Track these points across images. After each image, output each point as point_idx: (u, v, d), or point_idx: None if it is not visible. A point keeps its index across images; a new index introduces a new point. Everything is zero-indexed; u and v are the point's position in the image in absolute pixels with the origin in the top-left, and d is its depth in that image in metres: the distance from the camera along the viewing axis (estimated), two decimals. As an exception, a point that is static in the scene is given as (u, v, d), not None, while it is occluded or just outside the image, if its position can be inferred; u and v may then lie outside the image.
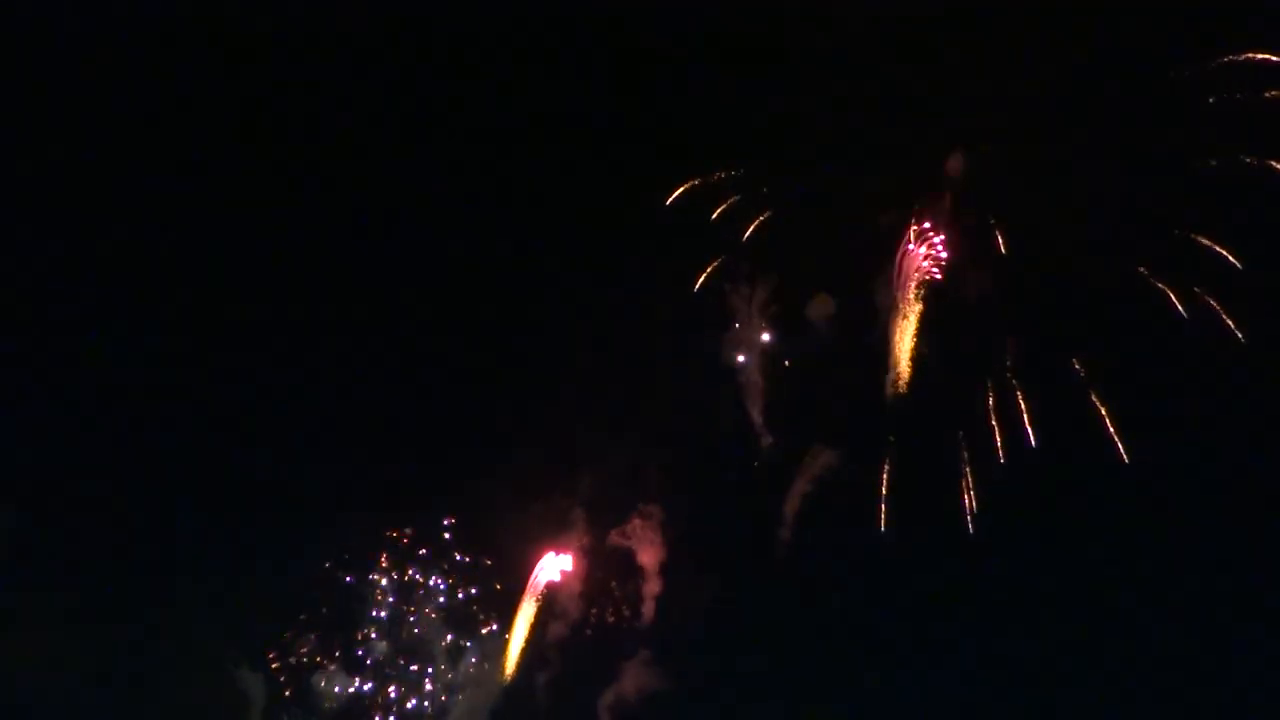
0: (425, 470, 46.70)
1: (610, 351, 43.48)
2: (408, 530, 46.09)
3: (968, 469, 40.28)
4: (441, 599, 45.74)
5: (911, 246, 40.59)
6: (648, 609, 44.27)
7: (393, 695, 45.32)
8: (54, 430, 45.82)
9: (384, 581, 45.62)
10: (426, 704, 44.88)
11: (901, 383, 40.82)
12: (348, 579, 45.56)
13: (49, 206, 45.32)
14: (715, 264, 42.00)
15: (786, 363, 43.61)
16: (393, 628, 46.05)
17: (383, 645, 46.24)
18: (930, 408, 41.10)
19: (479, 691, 44.21)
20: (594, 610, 44.83)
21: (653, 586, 44.52)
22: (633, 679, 43.68)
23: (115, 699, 43.99)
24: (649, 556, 44.51)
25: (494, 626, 45.32)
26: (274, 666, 44.94)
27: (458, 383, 46.63)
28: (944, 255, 40.72)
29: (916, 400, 40.99)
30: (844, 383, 42.48)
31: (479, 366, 46.57)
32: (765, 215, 41.04)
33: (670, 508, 44.49)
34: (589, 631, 44.45)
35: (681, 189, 41.23)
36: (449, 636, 45.31)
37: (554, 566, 44.70)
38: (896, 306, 41.54)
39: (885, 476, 41.16)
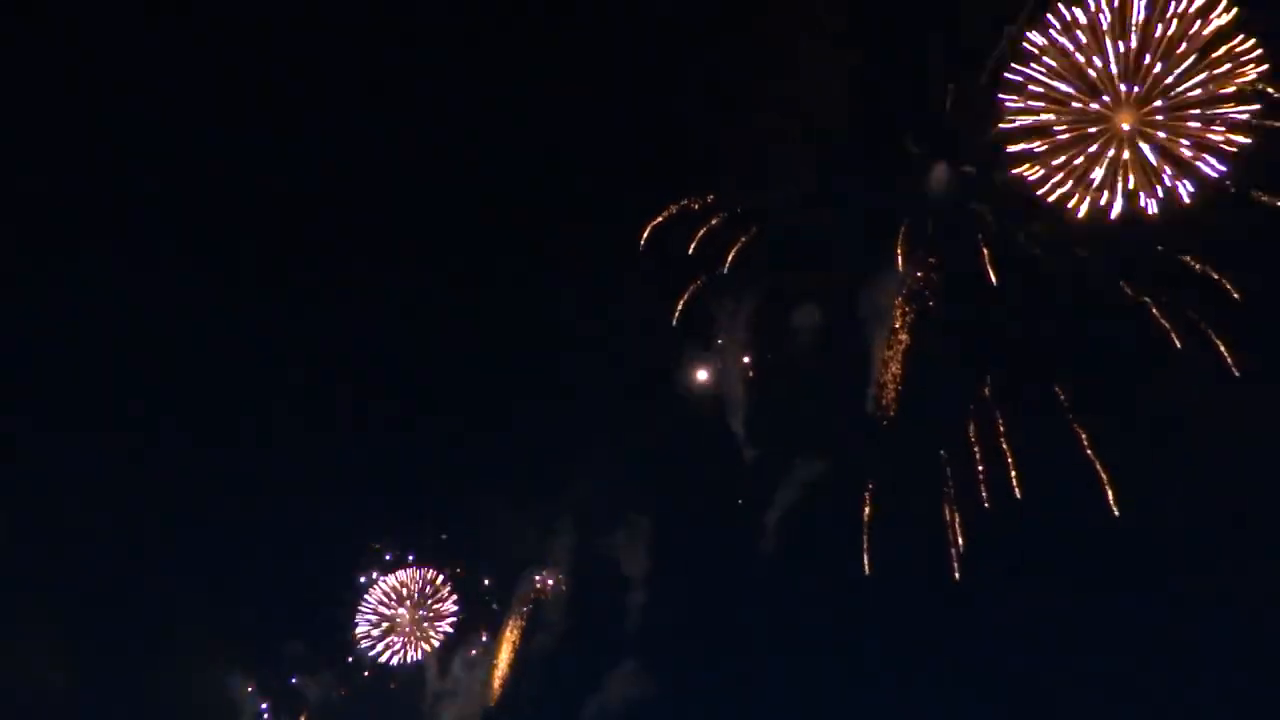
0: (415, 479, 47.59)
1: (597, 368, 44.01)
2: (390, 545, 46.71)
3: (955, 516, 40.63)
4: (430, 610, 46.28)
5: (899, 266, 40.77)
6: (633, 620, 44.95)
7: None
8: (48, 437, 46.49)
9: (372, 593, 46.30)
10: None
11: (885, 402, 41.12)
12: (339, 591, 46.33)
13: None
14: (696, 285, 42.17)
15: (768, 374, 43.84)
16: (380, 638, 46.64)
17: (370, 654, 46.86)
18: (912, 439, 41.35)
19: (467, 701, 44.84)
20: (580, 621, 45.45)
21: (638, 597, 45.22)
22: (618, 688, 44.32)
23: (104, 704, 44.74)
24: (635, 568, 45.18)
25: (484, 637, 45.94)
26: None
27: (448, 398, 47.07)
28: (931, 275, 40.94)
29: (899, 428, 41.28)
30: (828, 395, 42.76)
31: (469, 385, 46.80)
32: (749, 234, 41.27)
33: (657, 520, 45.11)
34: (574, 642, 44.97)
35: (665, 214, 41.46)
36: (438, 646, 45.93)
37: (541, 578, 45.25)
38: (882, 322, 41.83)
39: (867, 512, 41.47)
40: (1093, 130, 36.22)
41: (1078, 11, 35.79)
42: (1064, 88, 36.19)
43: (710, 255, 40.87)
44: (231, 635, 46.14)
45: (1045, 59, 36.46)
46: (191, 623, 44.98)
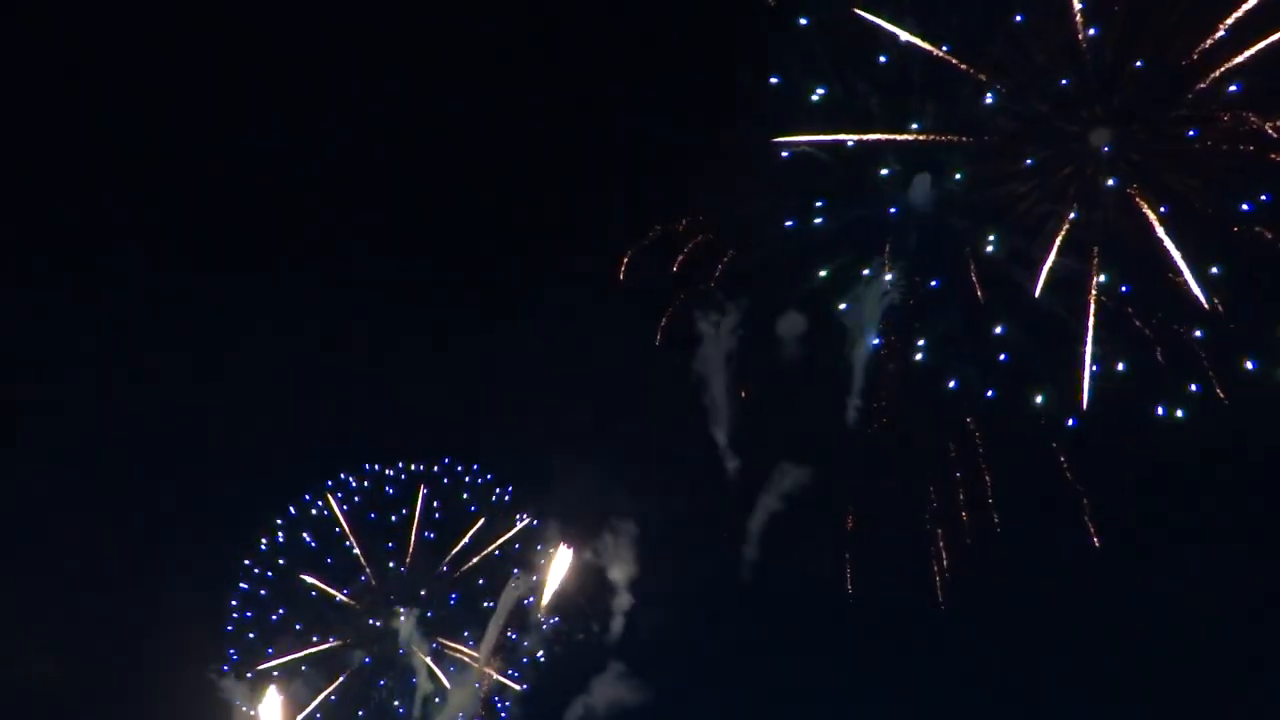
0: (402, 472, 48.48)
1: (581, 374, 44.51)
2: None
3: (941, 543, 41.20)
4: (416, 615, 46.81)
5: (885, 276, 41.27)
6: (617, 623, 45.47)
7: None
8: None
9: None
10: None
11: (868, 415, 41.70)
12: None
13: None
14: (679, 301, 42.79)
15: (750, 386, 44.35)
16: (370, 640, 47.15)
17: (359, 654, 47.27)
18: (895, 453, 41.91)
19: (455, 704, 45.30)
20: (565, 625, 46.02)
21: (623, 601, 45.74)
22: (603, 692, 44.85)
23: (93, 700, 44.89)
24: (619, 572, 45.68)
25: (469, 640, 46.63)
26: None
27: (432, 401, 47.47)
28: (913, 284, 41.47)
29: (880, 441, 41.87)
30: (809, 407, 43.30)
31: (454, 386, 47.35)
32: (730, 253, 41.78)
33: (641, 525, 45.61)
34: (558, 648, 45.49)
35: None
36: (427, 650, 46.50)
37: (524, 583, 45.83)
38: (864, 335, 42.36)
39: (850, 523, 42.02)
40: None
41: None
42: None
43: (693, 275, 41.95)
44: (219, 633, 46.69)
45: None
46: (180, 618, 45.42)
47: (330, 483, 48.94)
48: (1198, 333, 37.63)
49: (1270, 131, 35.49)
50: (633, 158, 42.81)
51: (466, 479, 49.14)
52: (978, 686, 44.82)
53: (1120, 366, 38.77)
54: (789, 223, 41.49)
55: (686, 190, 41.23)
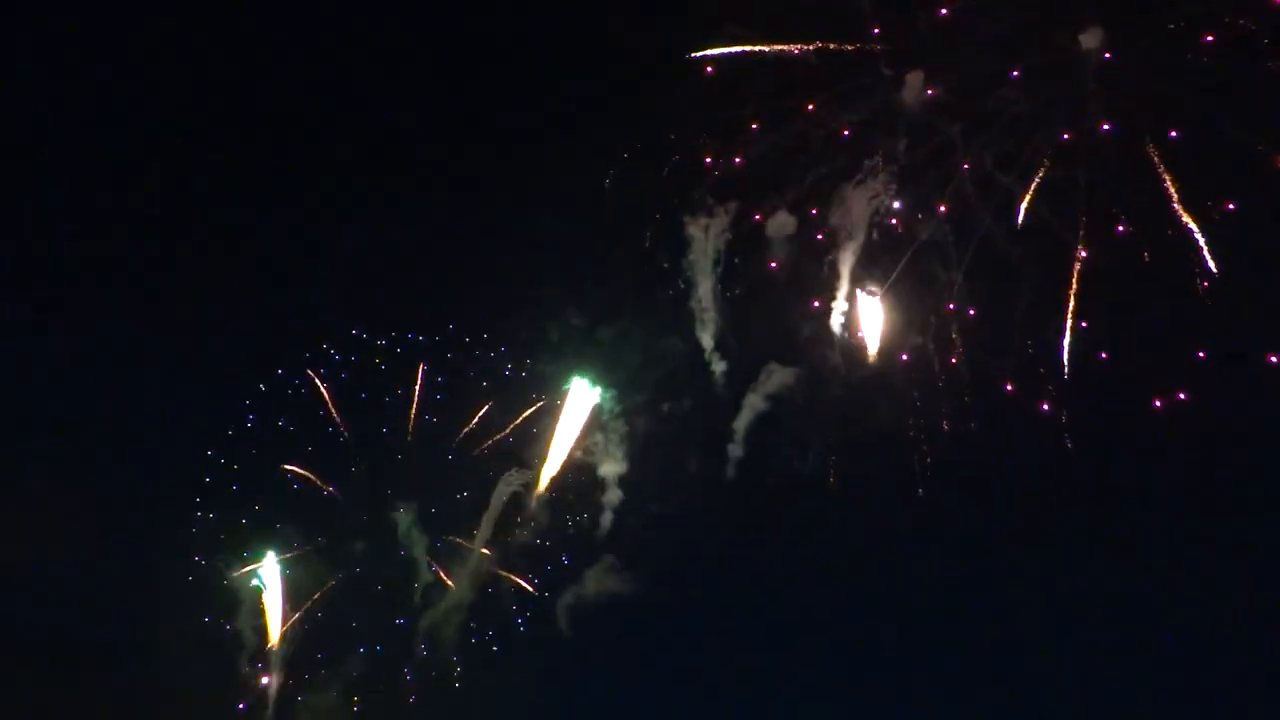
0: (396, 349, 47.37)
1: (572, 277, 44.89)
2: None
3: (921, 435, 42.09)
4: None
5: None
6: (607, 519, 47.00)
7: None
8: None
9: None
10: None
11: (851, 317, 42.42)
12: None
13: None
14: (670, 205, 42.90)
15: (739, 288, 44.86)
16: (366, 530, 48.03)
17: (360, 545, 48.41)
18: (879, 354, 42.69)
19: (450, 596, 47.03)
20: (557, 519, 47.39)
21: (613, 496, 47.15)
22: (594, 583, 46.68)
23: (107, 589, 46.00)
24: (609, 469, 47.01)
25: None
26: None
27: (419, 295, 47.02)
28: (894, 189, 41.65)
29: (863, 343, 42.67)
30: (796, 309, 44.06)
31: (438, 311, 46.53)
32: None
33: (630, 424, 46.74)
34: (547, 543, 47.00)
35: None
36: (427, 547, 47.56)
37: (518, 479, 47.00)
38: (852, 238, 42.76)
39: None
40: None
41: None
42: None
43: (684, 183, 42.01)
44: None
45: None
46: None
47: (310, 355, 45.12)
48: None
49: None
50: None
51: (477, 352, 45.90)
52: (956, 569, 46.10)
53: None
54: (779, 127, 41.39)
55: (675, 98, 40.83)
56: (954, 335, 41.30)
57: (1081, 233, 38.03)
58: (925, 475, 43.55)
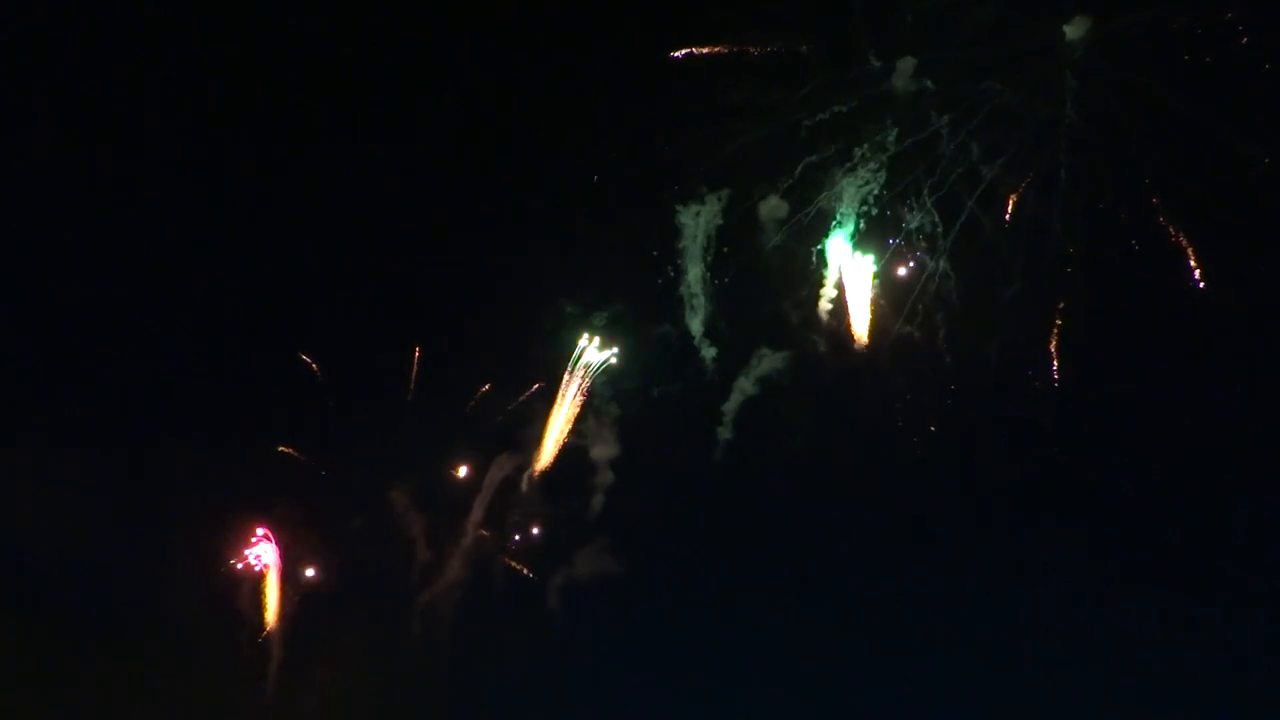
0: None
1: (566, 264, 45.44)
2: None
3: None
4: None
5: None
6: (598, 501, 47.78)
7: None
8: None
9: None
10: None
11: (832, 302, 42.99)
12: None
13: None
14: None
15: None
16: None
17: (358, 522, 49.29)
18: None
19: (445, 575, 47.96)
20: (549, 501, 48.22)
21: (605, 478, 47.91)
22: (585, 563, 47.53)
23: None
24: (601, 452, 47.77)
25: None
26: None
27: (415, 281, 47.75)
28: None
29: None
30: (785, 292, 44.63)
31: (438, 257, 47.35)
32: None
33: (622, 408, 47.45)
34: (539, 529, 47.86)
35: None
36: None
37: (510, 463, 47.84)
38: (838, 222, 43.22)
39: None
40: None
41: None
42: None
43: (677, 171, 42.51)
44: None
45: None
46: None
47: (309, 338, 47.11)
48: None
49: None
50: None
51: (472, 338, 47.52)
52: (945, 549, 46.72)
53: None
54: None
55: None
56: (939, 323, 41.87)
57: (1064, 223, 38.57)
58: (913, 457, 44.20)
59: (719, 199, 43.73)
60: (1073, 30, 37.28)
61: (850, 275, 43.27)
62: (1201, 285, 37.32)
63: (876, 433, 45.31)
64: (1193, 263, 37.32)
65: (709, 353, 45.16)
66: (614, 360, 46.43)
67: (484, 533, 47.82)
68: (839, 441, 45.37)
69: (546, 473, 47.77)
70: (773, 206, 43.91)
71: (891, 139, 40.79)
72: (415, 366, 47.17)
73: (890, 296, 42.87)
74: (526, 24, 45.15)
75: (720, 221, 43.88)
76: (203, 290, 47.73)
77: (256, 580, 47.63)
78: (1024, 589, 45.14)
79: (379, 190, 46.81)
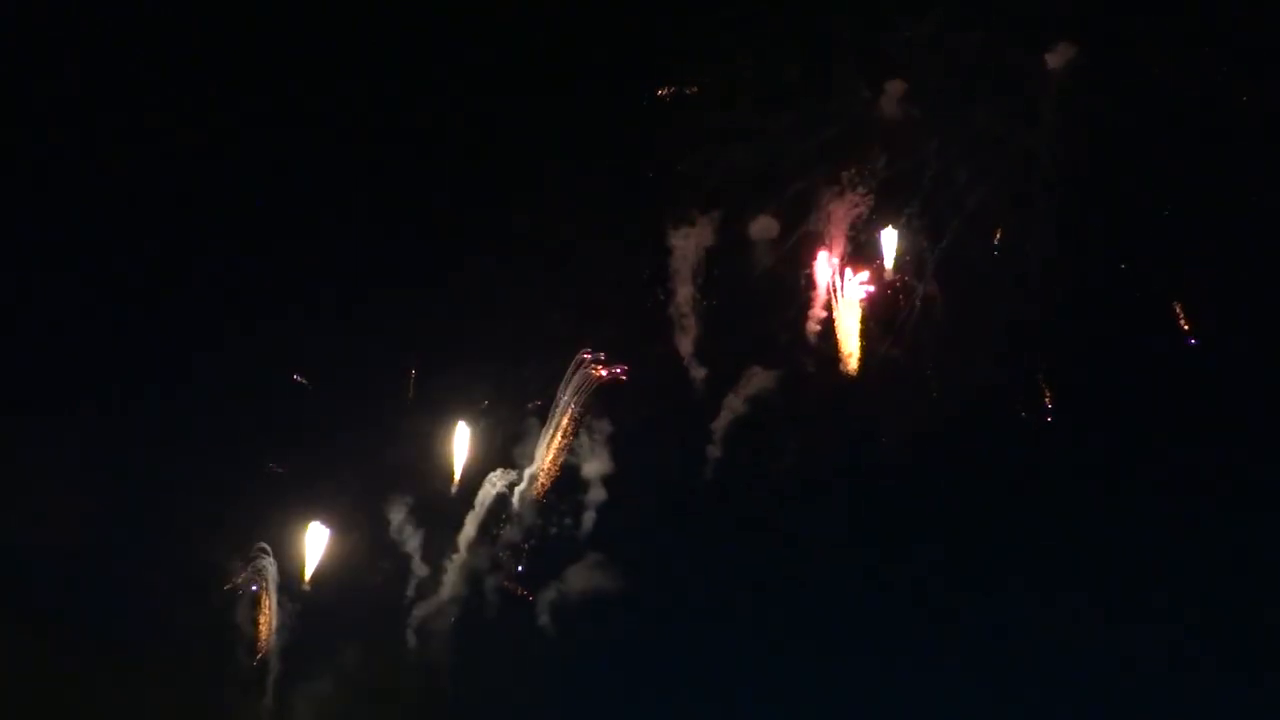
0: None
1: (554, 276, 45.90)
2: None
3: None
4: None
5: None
6: (589, 518, 48.20)
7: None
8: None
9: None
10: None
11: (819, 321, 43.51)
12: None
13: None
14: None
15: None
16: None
17: (354, 538, 49.59)
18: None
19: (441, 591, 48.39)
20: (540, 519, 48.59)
21: (597, 495, 48.31)
22: (577, 579, 47.88)
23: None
24: (593, 469, 48.17)
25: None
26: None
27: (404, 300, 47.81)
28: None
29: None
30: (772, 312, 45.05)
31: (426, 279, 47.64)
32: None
33: (615, 424, 47.88)
34: (530, 544, 48.23)
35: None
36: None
37: (502, 480, 48.23)
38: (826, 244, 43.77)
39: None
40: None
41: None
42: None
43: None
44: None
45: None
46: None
47: (300, 356, 47.26)
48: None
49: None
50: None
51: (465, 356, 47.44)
52: (939, 565, 46.85)
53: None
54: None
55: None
56: (926, 344, 42.35)
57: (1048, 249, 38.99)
58: (901, 474, 44.56)
59: (710, 220, 44.32)
60: (1054, 59, 37.81)
61: (838, 297, 43.76)
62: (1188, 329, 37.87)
63: (865, 450, 45.71)
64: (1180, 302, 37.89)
65: (699, 372, 45.79)
66: (606, 379, 46.85)
67: (470, 549, 48.28)
68: (828, 459, 45.76)
69: (539, 490, 48.29)
70: (762, 228, 44.54)
71: (880, 164, 41.36)
72: (410, 387, 47.85)
73: (878, 318, 43.38)
74: (519, 45, 45.76)
75: (710, 243, 44.53)
76: (204, 306, 48.22)
77: (255, 595, 48.20)
78: (1016, 605, 45.29)
79: (374, 210, 47.52)
